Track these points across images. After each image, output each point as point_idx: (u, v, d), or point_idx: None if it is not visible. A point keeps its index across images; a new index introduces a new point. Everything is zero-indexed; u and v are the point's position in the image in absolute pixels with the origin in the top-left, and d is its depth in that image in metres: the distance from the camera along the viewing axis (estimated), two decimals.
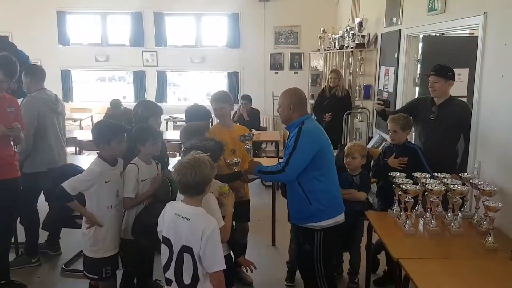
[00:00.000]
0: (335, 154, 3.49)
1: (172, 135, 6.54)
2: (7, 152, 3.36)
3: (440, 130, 3.61)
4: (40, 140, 3.83)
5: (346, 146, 3.64)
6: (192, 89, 10.54)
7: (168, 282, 2.26)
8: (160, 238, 2.31)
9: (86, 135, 6.48)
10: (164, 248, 2.27)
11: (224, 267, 2.18)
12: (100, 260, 2.83)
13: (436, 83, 3.71)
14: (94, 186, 2.75)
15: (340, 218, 2.93)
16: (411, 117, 3.57)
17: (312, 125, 2.89)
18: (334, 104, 6.12)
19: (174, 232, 2.21)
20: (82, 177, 2.73)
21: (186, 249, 2.16)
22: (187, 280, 2.19)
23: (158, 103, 4.31)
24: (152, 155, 3.01)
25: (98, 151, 2.88)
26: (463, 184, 2.99)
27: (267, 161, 3.80)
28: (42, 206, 4.04)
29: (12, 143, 3.46)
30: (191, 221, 2.15)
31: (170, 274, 2.23)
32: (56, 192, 2.69)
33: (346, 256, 3.74)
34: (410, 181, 3.04)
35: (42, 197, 4.07)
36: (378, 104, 4.08)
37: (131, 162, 2.94)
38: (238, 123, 6.08)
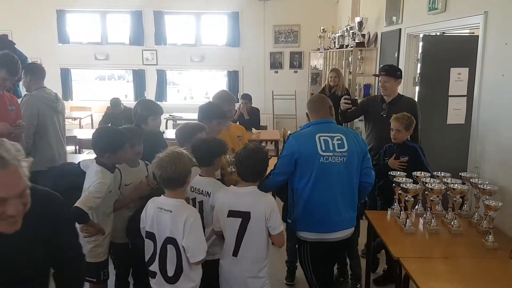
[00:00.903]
0: None
1: (172, 134, 6.53)
2: None
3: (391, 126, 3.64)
4: (40, 139, 3.82)
5: None
6: (192, 88, 10.53)
7: (153, 275, 2.34)
8: (143, 234, 2.38)
9: (85, 133, 6.47)
10: (148, 243, 2.35)
11: (205, 255, 2.26)
12: (99, 264, 2.78)
13: (387, 83, 3.93)
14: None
15: (329, 236, 2.72)
16: (412, 117, 3.57)
17: (306, 131, 2.76)
18: (334, 103, 6.04)
19: (157, 226, 2.29)
20: (94, 194, 2.55)
21: (170, 240, 2.25)
22: (170, 272, 2.27)
23: (158, 102, 4.28)
24: (133, 158, 2.89)
25: (96, 157, 2.74)
26: (463, 183, 3.00)
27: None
28: None
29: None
30: (173, 212, 2.25)
31: (155, 267, 2.31)
32: (72, 213, 2.52)
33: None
34: (410, 180, 3.04)
35: None
36: (346, 103, 4.14)
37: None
38: (238, 122, 6.11)
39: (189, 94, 10.39)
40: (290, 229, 3.16)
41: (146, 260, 2.37)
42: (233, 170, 2.91)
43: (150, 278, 2.38)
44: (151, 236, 2.33)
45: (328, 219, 2.70)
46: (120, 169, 2.81)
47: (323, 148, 2.65)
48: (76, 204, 2.53)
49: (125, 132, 2.82)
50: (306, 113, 2.87)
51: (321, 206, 2.68)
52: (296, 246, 2.96)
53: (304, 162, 2.66)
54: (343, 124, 6.16)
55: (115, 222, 2.85)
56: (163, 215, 2.27)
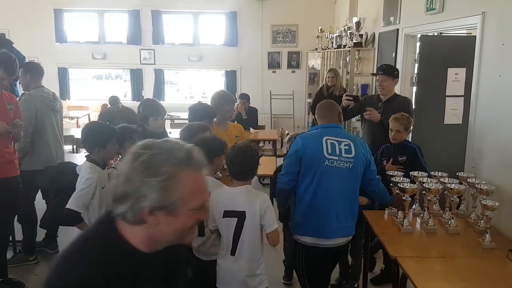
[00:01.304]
0: None
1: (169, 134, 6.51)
2: (8, 150, 3.36)
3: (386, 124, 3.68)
4: (38, 138, 3.82)
5: None
6: (189, 87, 10.54)
7: None
8: None
9: None
10: None
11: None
12: None
13: (384, 82, 3.97)
14: (96, 194, 2.64)
15: (326, 242, 2.70)
16: (410, 117, 3.58)
17: (313, 133, 2.75)
18: None
19: None
20: (83, 191, 2.58)
21: None
22: None
23: None
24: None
25: (87, 154, 2.76)
26: (460, 183, 3.00)
27: (265, 160, 3.79)
28: (40, 204, 4.03)
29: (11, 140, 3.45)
30: None
31: None
32: (64, 214, 2.59)
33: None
34: (408, 180, 3.04)
35: (39, 195, 4.06)
36: (347, 99, 4.13)
37: (112, 166, 2.86)
38: (236, 121, 6.12)
39: (189, 93, 10.36)
40: (286, 229, 3.17)
41: None
42: (220, 175, 2.91)
43: None
44: None
45: (327, 225, 2.68)
46: (117, 169, 2.79)
47: (329, 151, 2.62)
48: (67, 206, 2.55)
49: (113, 127, 2.86)
50: (314, 117, 2.88)
51: (322, 211, 2.66)
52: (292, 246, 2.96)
53: (308, 163, 2.63)
54: (344, 120, 6.21)
55: None
56: None
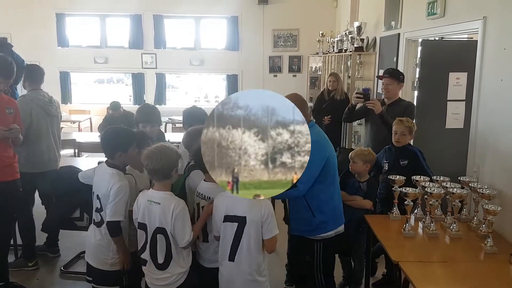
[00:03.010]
0: None
1: (171, 137, 6.51)
2: (7, 154, 3.33)
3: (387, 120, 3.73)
4: (28, 140, 3.67)
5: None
6: (191, 91, 10.56)
7: (144, 262, 2.50)
8: (136, 224, 2.52)
9: (84, 137, 6.47)
10: (140, 233, 2.50)
11: (190, 239, 2.42)
12: (120, 270, 2.73)
13: (389, 85, 4.00)
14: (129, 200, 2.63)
15: (341, 228, 2.92)
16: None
17: (318, 134, 2.77)
18: (333, 107, 6.12)
19: (148, 217, 2.45)
20: (121, 201, 2.57)
21: (159, 230, 2.42)
22: (161, 259, 2.44)
23: (157, 106, 4.28)
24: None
25: (107, 160, 2.73)
26: (462, 188, 3.00)
27: None
28: (40, 208, 4.03)
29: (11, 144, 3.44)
30: (161, 204, 2.41)
31: (146, 255, 2.48)
32: (108, 228, 2.60)
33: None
34: (409, 189, 3.02)
35: (39, 200, 4.05)
36: (357, 97, 4.10)
37: (126, 172, 2.80)
38: None
39: (197, 96, 10.35)
40: (291, 238, 3.15)
41: (138, 249, 2.51)
42: None
43: (142, 266, 2.52)
44: (143, 226, 2.47)
45: (342, 212, 2.96)
46: (133, 174, 2.79)
47: None
48: (108, 219, 2.57)
49: (132, 131, 2.88)
50: None
51: (340, 201, 2.94)
52: (303, 255, 2.96)
53: (331, 164, 2.80)
54: (346, 124, 6.22)
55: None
56: (153, 207, 2.42)
